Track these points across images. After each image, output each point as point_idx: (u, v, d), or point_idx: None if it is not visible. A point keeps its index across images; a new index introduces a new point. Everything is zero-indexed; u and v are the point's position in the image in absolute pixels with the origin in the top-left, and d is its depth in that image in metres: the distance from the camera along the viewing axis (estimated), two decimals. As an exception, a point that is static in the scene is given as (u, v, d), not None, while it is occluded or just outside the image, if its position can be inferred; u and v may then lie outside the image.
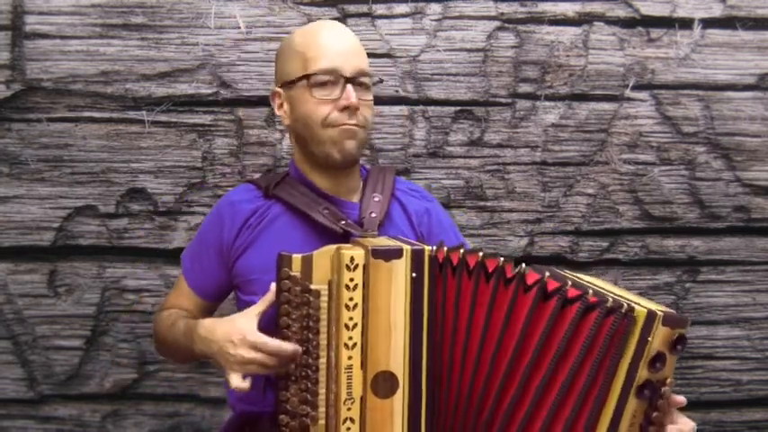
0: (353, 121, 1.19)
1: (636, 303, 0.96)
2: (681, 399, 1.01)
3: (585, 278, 1.10)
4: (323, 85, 1.18)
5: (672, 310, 0.96)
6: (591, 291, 0.97)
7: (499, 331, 1.00)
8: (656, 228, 1.75)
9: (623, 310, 0.94)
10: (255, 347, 1.03)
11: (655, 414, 0.97)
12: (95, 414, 1.75)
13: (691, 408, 1.80)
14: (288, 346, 1.02)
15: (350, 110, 1.18)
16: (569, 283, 0.99)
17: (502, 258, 1.03)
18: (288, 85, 1.22)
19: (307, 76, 1.19)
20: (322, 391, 1.04)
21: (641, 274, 1.76)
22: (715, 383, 1.78)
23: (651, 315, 0.94)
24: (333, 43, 1.20)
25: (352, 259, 1.01)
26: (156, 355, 1.72)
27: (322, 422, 1.04)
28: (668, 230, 1.75)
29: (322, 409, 1.04)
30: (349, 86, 1.17)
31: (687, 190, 1.74)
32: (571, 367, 0.96)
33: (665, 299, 1.75)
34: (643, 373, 0.95)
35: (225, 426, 1.29)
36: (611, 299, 0.96)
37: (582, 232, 1.74)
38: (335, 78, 1.18)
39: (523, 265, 1.02)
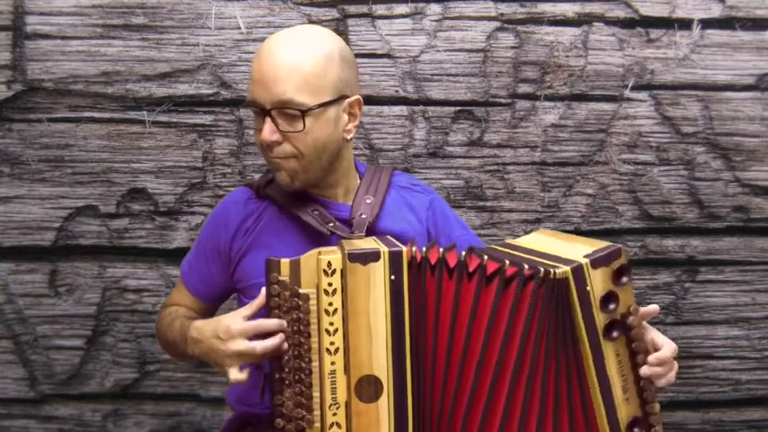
0: (273, 155, 1.14)
1: (563, 259, 0.97)
2: (653, 308, 1.02)
3: (525, 241, 1.11)
4: (256, 113, 1.16)
5: (602, 249, 0.98)
6: (508, 261, 0.98)
7: (485, 330, 1.00)
8: (655, 228, 1.75)
9: (541, 276, 0.95)
10: (242, 335, 1.03)
11: (634, 344, 0.99)
12: (96, 414, 1.76)
13: (690, 407, 1.82)
14: (271, 323, 1.03)
15: (268, 144, 1.13)
16: (507, 262, 0.99)
17: (485, 257, 1.01)
18: None
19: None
20: (316, 394, 1.03)
21: (641, 273, 1.76)
22: (714, 383, 1.79)
23: (578, 268, 0.95)
24: (257, 71, 1.12)
25: (329, 264, 1.01)
26: (157, 355, 1.73)
27: (317, 425, 1.03)
28: (667, 230, 1.76)
29: (317, 412, 1.03)
30: (267, 121, 1.11)
31: (686, 190, 1.74)
32: (534, 347, 0.97)
33: (664, 299, 1.76)
34: (601, 318, 0.96)
35: (225, 425, 1.29)
36: (525, 266, 0.97)
37: (581, 232, 1.74)
38: (258, 109, 1.13)
39: (485, 257, 1.01)
